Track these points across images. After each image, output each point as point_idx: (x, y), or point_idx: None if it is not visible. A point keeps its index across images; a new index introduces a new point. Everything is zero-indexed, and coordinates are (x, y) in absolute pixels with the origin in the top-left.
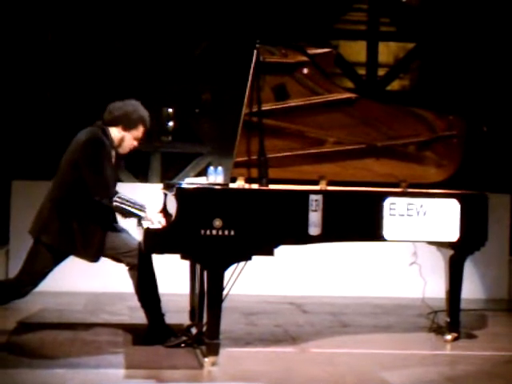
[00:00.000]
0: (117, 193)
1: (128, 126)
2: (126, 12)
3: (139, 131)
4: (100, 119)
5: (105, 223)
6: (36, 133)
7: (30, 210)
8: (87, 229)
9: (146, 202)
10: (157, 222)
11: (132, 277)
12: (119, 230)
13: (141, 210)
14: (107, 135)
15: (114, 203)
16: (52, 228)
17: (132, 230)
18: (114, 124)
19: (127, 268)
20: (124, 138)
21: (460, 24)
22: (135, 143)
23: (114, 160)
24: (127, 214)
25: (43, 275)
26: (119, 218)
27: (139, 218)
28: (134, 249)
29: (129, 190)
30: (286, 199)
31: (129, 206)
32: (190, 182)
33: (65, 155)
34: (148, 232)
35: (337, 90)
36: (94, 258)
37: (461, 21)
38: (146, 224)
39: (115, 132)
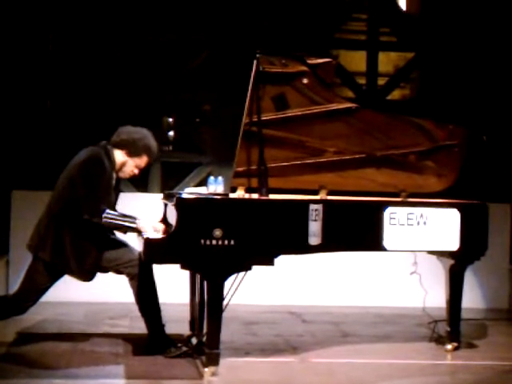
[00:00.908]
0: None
1: (132, 152)
2: (127, 22)
3: (142, 160)
4: (104, 139)
5: (100, 241)
6: (36, 142)
7: (30, 219)
8: (79, 248)
9: (146, 213)
10: (152, 230)
11: (133, 287)
12: (117, 243)
13: (132, 222)
14: (109, 156)
15: (104, 220)
16: (48, 244)
17: (132, 241)
18: (120, 147)
19: (128, 278)
20: (126, 164)
21: (460, 33)
22: (136, 171)
23: (113, 182)
24: (120, 228)
25: (42, 292)
26: (119, 233)
27: (137, 232)
28: (134, 259)
29: (129, 200)
30: (286, 209)
31: (119, 220)
32: (190, 191)
33: (64, 171)
34: (148, 242)
35: (337, 99)
36: (86, 278)
37: (460, 30)
38: (145, 234)
39: (119, 155)
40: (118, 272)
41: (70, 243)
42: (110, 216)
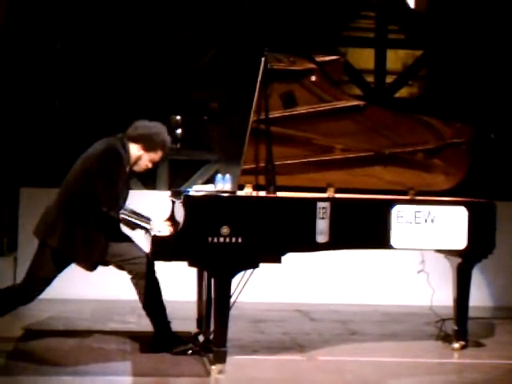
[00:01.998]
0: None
1: (148, 146)
2: (135, 20)
3: (157, 155)
4: (120, 132)
5: (108, 233)
6: (44, 140)
7: (38, 216)
8: (89, 238)
9: (154, 210)
10: (165, 231)
11: (135, 285)
12: (123, 238)
13: (147, 223)
14: (126, 149)
15: (121, 215)
16: (58, 231)
17: (139, 237)
18: (136, 141)
19: (130, 276)
20: (141, 158)
21: (468, 31)
22: (150, 165)
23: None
24: (134, 226)
25: (49, 280)
26: (127, 229)
27: (145, 230)
28: (137, 257)
29: (137, 198)
30: (294, 207)
31: (135, 218)
32: (197, 189)
33: (79, 161)
34: (155, 240)
35: (345, 97)
36: (91, 267)
37: (469, 28)
38: (153, 232)
39: (134, 149)
40: (120, 267)
41: (81, 233)
42: (127, 213)
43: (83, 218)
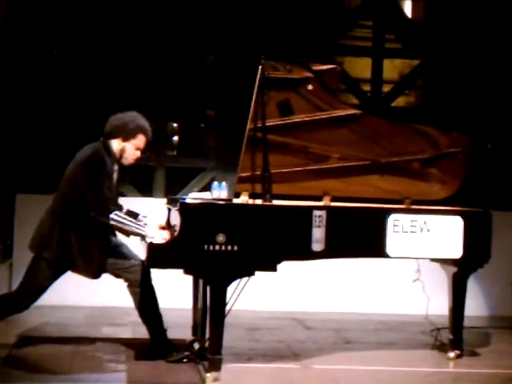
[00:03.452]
0: (120, 208)
1: (127, 136)
2: (133, 27)
3: (139, 140)
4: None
5: (104, 239)
6: (40, 146)
7: (33, 223)
8: (87, 245)
9: (148, 217)
10: (159, 238)
11: (131, 293)
12: (119, 245)
13: (140, 228)
14: (109, 150)
15: (111, 221)
16: (53, 243)
17: (135, 244)
18: (114, 136)
19: (126, 284)
20: (125, 149)
21: (465, 41)
22: (137, 153)
23: (117, 174)
24: (126, 231)
25: (42, 290)
26: (122, 236)
27: (141, 237)
28: (133, 265)
29: (133, 205)
30: (290, 215)
31: (128, 224)
32: (194, 196)
33: (66, 170)
34: (151, 247)
35: (341, 106)
36: (95, 275)
37: (465, 37)
38: (149, 239)
39: (116, 144)
40: (117, 276)
41: (76, 241)
42: (118, 219)
43: (77, 226)
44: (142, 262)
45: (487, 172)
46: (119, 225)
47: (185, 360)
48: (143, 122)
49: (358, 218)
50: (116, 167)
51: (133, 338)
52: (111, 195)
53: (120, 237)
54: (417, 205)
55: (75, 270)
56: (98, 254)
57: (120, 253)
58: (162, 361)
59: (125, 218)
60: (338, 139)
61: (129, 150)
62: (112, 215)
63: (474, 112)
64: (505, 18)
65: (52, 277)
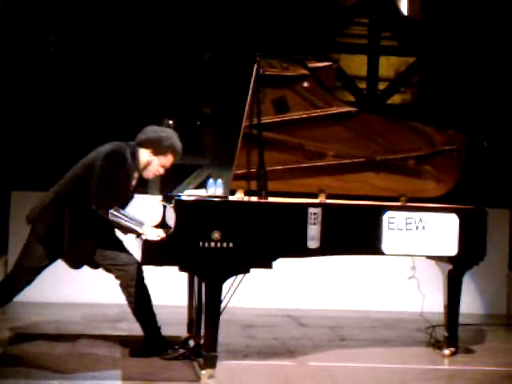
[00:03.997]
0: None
1: (158, 151)
2: (129, 25)
3: (168, 159)
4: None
5: (99, 233)
6: (36, 144)
7: None
8: (76, 235)
9: (145, 216)
10: (155, 235)
11: (124, 293)
12: (115, 242)
13: (138, 226)
14: (134, 155)
15: (111, 217)
16: (46, 218)
17: (131, 241)
18: (145, 146)
19: (118, 282)
20: (151, 163)
21: (461, 38)
22: (161, 170)
23: (135, 182)
24: (124, 228)
25: (35, 271)
26: (119, 232)
27: (136, 234)
28: (126, 263)
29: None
30: (285, 212)
31: (126, 220)
32: (189, 193)
33: (85, 158)
34: (146, 244)
35: (337, 103)
36: (75, 265)
37: (461, 35)
38: (144, 236)
39: (144, 154)
40: (108, 270)
41: (68, 226)
42: (117, 214)
43: (75, 214)
44: (137, 261)
45: (482, 169)
46: (117, 220)
47: (180, 357)
48: (177, 143)
49: (354, 216)
50: (136, 175)
51: (128, 335)
52: (124, 197)
53: (118, 235)
54: (412, 202)
55: (61, 256)
56: (86, 248)
57: (114, 248)
58: (157, 358)
59: (123, 215)
60: (334, 136)
61: (154, 164)
62: (112, 210)
63: (469, 110)
64: (501, 15)
65: (43, 256)
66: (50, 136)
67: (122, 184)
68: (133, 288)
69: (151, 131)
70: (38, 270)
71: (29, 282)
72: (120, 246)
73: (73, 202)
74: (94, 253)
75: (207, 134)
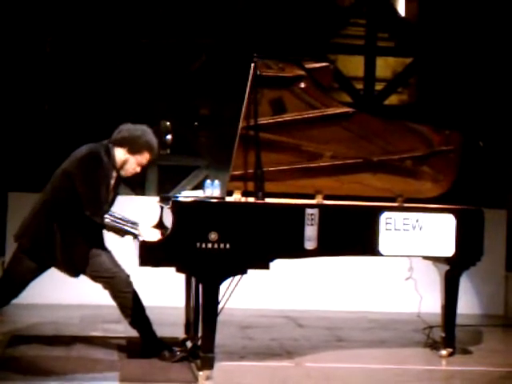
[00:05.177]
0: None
1: (133, 149)
2: (125, 26)
3: (144, 157)
4: (106, 139)
5: (90, 240)
6: (33, 144)
7: None
8: (70, 242)
9: (140, 217)
10: (151, 237)
11: (115, 302)
12: (103, 251)
13: (134, 228)
14: (110, 154)
15: (106, 221)
16: (30, 230)
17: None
18: (120, 145)
19: (108, 292)
20: (127, 161)
21: (458, 39)
22: (138, 169)
23: (113, 181)
24: (120, 232)
25: (21, 285)
26: (116, 236)
27: (133, 236)
28: (112, 276)
29: (125, 203)
30: (282, 213)
31: (121, 224)
32: (186, 195)
33: (63, 164)
34: (143, 245)
35: (334, 104)
36: (74, 273)
37: (458, 36)
38: (141, 237)
39: (120, 153)
40: (93, 279)
41: (60, 236)
42: (112, 218)
43: (64, 222)
44: (123, 271)
45: (479, 170)
46: (113, 224)
47: (177, 359)
48: (152, 140)
49: (351, 216)
50: (114, 174)
51: (126, 336)
52: (106, 198)
53: (108, 241)
54: (409, 203)
55: (56, 265)
56: (81, 254)
57: (102, 259)
58: (155, 359)
59: (118, 218)
60: (331, 137)
61: (131, 163)
62: (106, 215)
63: (466, 110)
64: (497, 16)
65: (30, 271)
66: (46, 137)
67: (103, 185)
68: (120, 298)
69: (126, 130)
70: (23, 284)
71: (16, 295)
72: (106, 255)
73: (59, 212)
74: (88, 259)
75: (204, 135)
